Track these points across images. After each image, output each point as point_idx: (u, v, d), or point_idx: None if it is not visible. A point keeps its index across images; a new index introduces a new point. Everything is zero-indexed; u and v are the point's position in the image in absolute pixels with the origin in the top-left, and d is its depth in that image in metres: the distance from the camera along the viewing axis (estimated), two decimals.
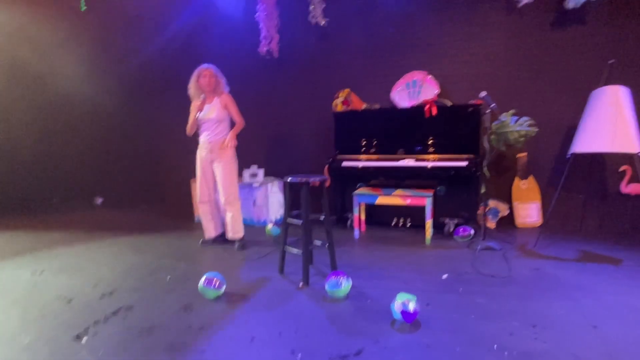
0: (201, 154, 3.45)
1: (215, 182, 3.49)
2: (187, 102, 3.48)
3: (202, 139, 3.43)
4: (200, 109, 3.30)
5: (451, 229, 3.74)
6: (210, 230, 3.62)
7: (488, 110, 3.20)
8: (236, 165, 3.47)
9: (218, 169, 3.42)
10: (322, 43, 4.71)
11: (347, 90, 4.22)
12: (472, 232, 3.57)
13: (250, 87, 5.13)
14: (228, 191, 3.44)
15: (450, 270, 2.81)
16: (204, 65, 3.35)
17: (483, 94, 3.18)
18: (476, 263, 2.95)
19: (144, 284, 2.73)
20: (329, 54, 4.70)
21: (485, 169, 3.54)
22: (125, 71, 5.86)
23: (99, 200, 6.18)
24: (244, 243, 3.51)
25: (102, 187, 6.26)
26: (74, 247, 3.72)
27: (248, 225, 4.50)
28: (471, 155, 3.60)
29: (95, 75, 6.01)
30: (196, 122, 3.39)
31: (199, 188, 3.49)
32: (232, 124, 3.49)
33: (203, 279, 2.45)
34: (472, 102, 3.76)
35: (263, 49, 4.75)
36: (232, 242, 3.62)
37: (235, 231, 3.52)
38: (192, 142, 3.61)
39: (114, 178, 6.19)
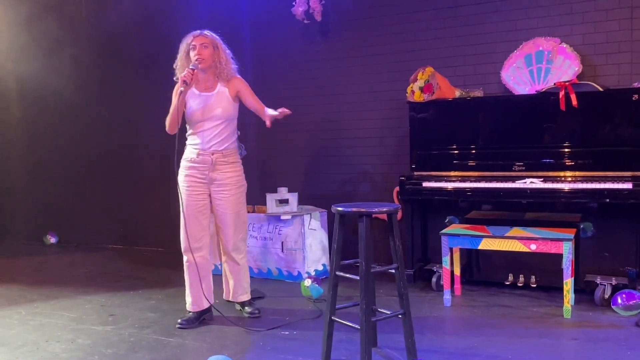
0: (192, 172, 3.46)
1: (211, 215, 3.56)
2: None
3: (196, 148, 3.45)
4: (186, 79, 3.25)
5: (607, 295, 3.66)
6: (200, 299, 3.48)
7: None
8: (245, 189, 3.64)
9: (221, 195, 3.48)
10: None
11: (429, 70, 4.20)
12: None
13: (278, 66, 5.20)
14: (238, 230, 3.54)
15: None
16: (196, 32, 3.45)
17: None
18: None
19: None
20: (398, 14, 4.73)
21: None
22: (87, 49, 6.07)
23: (52, 239, 6.43)
24: (257, 306, 3.71)
25: (57, 220, 6.49)
26: (15, 309, 3.82)
27: (274, 279, 4.50)
28: (638, 173, 3.55)
29: (41, 60, 6.26)
30: (181, 107, 3.40)
31: (186, 227, 3.42)
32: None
33: None
34: (639, 85, 3.67)
35: (299, 9, 4.85)
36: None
37: (245, 289, 3.70)
38: None
39: (75, 207, 6.41)
